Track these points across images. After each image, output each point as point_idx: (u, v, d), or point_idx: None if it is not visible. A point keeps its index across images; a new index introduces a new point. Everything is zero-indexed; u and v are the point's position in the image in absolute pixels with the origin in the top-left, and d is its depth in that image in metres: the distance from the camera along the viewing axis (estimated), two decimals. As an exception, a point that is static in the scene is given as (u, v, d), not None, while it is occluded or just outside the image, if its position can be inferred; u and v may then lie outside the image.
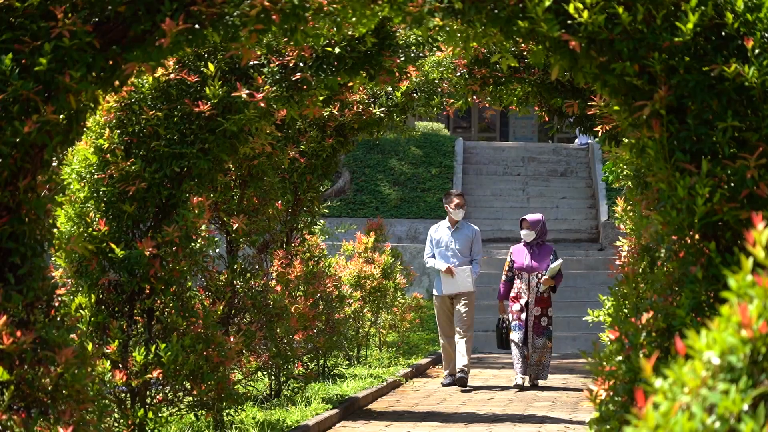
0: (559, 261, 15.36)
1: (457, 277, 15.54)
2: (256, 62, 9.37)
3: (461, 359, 15.50)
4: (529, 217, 15.78)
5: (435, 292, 15.86)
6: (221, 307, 10.03)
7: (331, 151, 13.62)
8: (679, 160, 6.04)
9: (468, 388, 15.62)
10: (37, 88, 6.12)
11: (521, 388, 15.64)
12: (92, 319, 8.97)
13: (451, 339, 15.73)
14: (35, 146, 6.31)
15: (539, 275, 15.48)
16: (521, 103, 11.94)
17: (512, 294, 15.61)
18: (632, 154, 6.65)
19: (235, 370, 11.16)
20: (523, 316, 15.48)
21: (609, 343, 6.40)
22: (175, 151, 9.07)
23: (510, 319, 15.63)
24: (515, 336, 15.48)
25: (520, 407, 13.93)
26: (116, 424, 8.99)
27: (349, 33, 8.51)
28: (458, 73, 11.82)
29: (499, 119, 40.35)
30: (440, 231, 15.98)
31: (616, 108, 6.64)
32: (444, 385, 15.89)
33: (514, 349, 15.56)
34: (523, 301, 15.46)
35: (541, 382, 15.85)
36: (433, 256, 15.88)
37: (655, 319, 6.16)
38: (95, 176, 9.13)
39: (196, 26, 6.32)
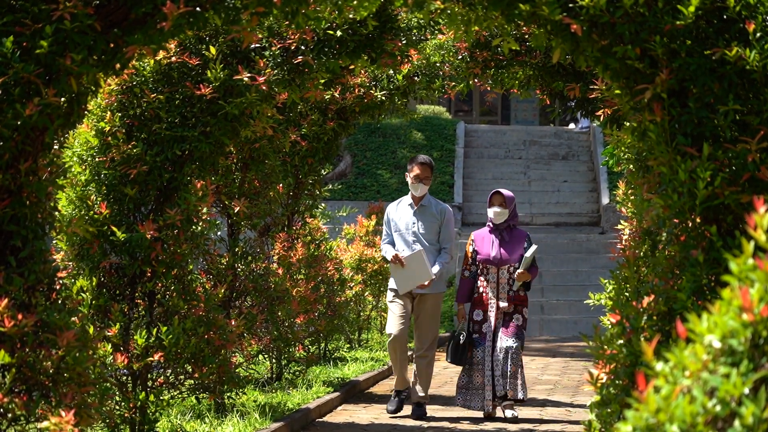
0: (534, 248, 11.74)
1: (408, 266, 11.77)
2: (257, 45, 9.36)
3: (418, 389, 12.02)
4: (504, 191, 12.07)
5: (390, 287, 12.20)
6: (222, 291, 10.03)
7: (333, 135, 13.60)
8: (681, 144, 6.04)
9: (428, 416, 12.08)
10: (38, 71, 6.11)
11: (491, 416, 11.78)
12: (93, 302, 8.97)
13: (402, 339, 12.01)
14: (36, 129, 6.31)
15: (510, 269, 11.78)
16: (523, 86, 11.92)
17: (476, 295, 11.92)
18: (634, 137, 6.65)
19: (237, 354, 11.17)
20: (486, 327, 11.73)
21: (610, 326, 6.41)
22: (177, 134, 9.07)
23: (469, 331, 11.87)
24: (476, 355, 11.73)
25: (521, 390, 13.93)
26: (117, 407, 9.00)
27: (351, 16, 8.50)
28: (459, 56, 11.80)
29: (501, 102, 40.31)
30: (400, 210, 12.25)
31: (617, 91, 6.64)
32: (390, 411, 12.05)
33: (472, 373, 11.78)
34: (491, 306, 11.75)
35: (517, 408, 11.93)
36: (392, 243, 12.24)
37: (656, 302, 6.17)
38: (96, 159, 9.13)
39: (197, 9, 6.31)
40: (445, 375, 15.46)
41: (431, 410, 12.28)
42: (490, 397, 11.61)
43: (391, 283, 12.09)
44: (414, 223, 12.07)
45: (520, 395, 11.58)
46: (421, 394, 11.97)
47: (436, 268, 11.86)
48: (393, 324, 11.99)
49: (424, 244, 11.95)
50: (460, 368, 12.10)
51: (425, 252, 11.81)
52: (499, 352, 11.59)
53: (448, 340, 12.06)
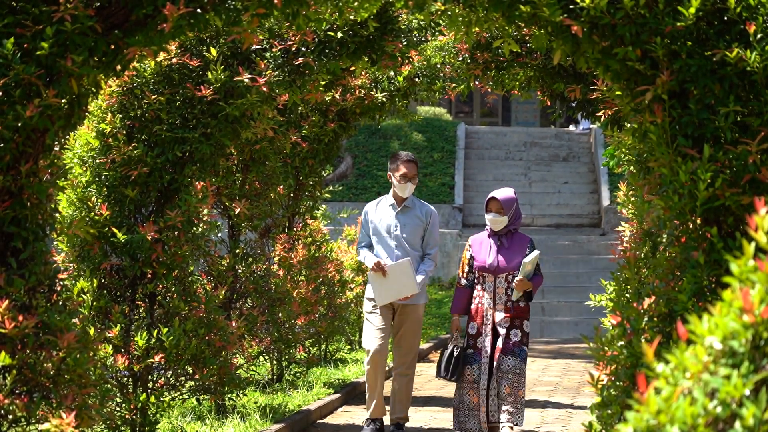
0: (535, 253, 10.15)
1: (391, 276, 10.43)
2: (258, 47, 9.36)
3: (398, 407, 10.69)
4: (501, 194, 10.37)
5: (367, 296, 10.96)
6: (223, 292, 10.03)
7: (333, 136, 13.59)
8: (681, 145, 6.05)
9: None
10: (38, 73, 6.12)
11: None
12: (94, 303, 8.98)
13: (383, 355, 10.76)
14: (37, 131, 6.31)
15: (509, 277, 10.22)
16: (523, 87, 11.91)
17: (472, 306, 10.35)
18: (634, 138, 6.66)
19: (237, 355, 11.17)
20: (481, 342, 10.19)
21: (611, 328, 6.41)
22: (177, 136, 9.07)
23: (463, 344, 10.30)
24: (471, 372, 10.15)
25: (521, 392, 13.90)
26: (118, 409, 9.00)
27: (351, 17, 8.51)
28: (460, 58, 11.80)
29: (501, 104, 40.31)
30: (381, 211, 10.84)
31: (618, 93, 6.64)
32: None
33: (463, 392, 10.22)
34: (486, 319, 10.20)
35: (516, 429, 10.20)
36: (370, 247, 10.88)
37: (656, 304, 6.17)
38: (97, 161, 9.14)
39: (198, 10, 6.32)
40: (446, 376, 15.43)
41: (431, 411, 12.27)
42: (485, 418, 10.06)
43: (368, 292, 10.84)
44: (396, 226, 10.70)
45: (509, 423, 10.02)
46: (401, 414, 10.69)
47: (420, 278, 10.54)
48: (372, 338, 10.74)
49: (407, 249, 10.65)
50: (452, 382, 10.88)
51: (411, 261, 10.49)
52: (497, 373, 10.05)
53: (440, 353, 10.44)
